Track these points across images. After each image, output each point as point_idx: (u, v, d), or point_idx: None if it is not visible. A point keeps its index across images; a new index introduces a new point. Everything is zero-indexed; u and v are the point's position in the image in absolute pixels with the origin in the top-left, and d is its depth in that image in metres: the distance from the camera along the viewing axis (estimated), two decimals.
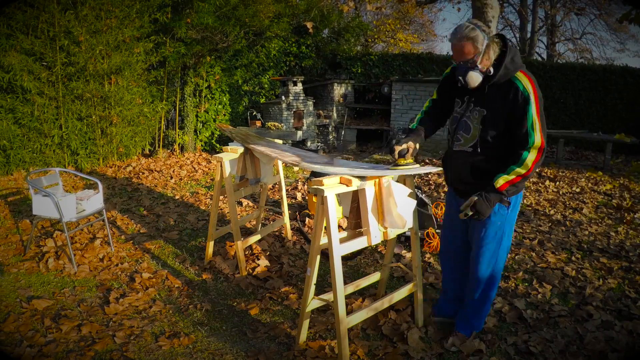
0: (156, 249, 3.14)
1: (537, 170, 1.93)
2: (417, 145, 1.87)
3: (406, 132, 1.91)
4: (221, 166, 2.63)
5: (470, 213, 1.74)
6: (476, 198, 1.72)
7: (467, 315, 2.02)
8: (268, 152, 2.44)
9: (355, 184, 1.80)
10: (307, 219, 3.62)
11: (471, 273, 1.95)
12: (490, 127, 1.75)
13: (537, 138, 1.66)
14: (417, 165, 1.87)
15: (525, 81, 1.69)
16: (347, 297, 2.31)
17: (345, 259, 2.84)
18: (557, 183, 5.18)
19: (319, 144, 7.67)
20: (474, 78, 1.71)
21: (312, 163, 2.17)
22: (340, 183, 1.80)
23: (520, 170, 1.68)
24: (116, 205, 4.01)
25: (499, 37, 1.76)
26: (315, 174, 3.76)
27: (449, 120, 1.96)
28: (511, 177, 1.69)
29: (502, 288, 2.57)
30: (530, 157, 1.67)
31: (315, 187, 1.76)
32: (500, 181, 1.70)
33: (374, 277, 2.29)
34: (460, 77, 1.74)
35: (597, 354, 1.93)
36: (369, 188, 1.84)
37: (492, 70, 1.71)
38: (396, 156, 1.85)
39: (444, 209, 3.17)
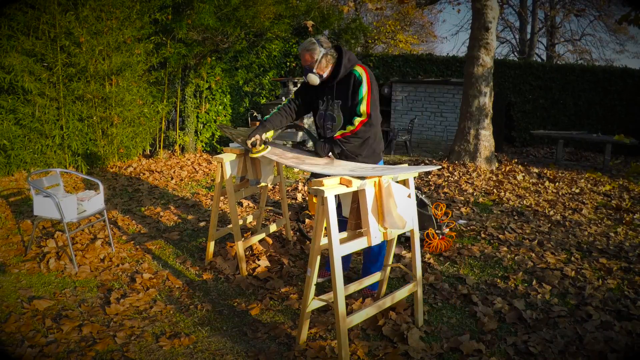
0: (157, 249, 3.15)
1: (383, 142, 2.52)
2: (263, 136, 2.42)
3: (257, 125, 2.48)
4: (222, 167, 2.64)
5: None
6: (318, 143, 2.34)
7: (367, 267, 2.49)
8: (268, 154, 2.46)
9: (356, 185, 1.81)
10: (306, 220, 3.63)
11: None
12: (345, 111, 2.32)
13: (363, 108, 2.23)
14: (267, 149, 2.42)
15: (360, 70, 2.26)
16: (347, 297, 2.32)
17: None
18: (557, 184, 5.19)
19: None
20: (312, 78, 2.30)
21: (312, 165, 2.20)
22: (341, 184, 1.81)
23: (350, 127, 2.26)
24: (117, 206, 4.02)
25: (336, 49, 2.32)
26: (315, 175, 3.77)
27: (316, 118, 2.49)
28: (345, 131, 2.28)
29: (502, 288, 2.58)
30: (358, 119, 2.24)
31: (315, 187, 1.76)
32: (338, 133, 2.30)
33: (374, 277, 2.30)
34: (304, 77, 2.34)
35: (596, 355, 1.93)
36: (369, 189, 1.85)
37: (325, 74, 2.30)
38: (249, 146, 2.40)
39: (444, 209, 3.18)
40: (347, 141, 2.27)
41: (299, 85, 7.41)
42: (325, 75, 2.30)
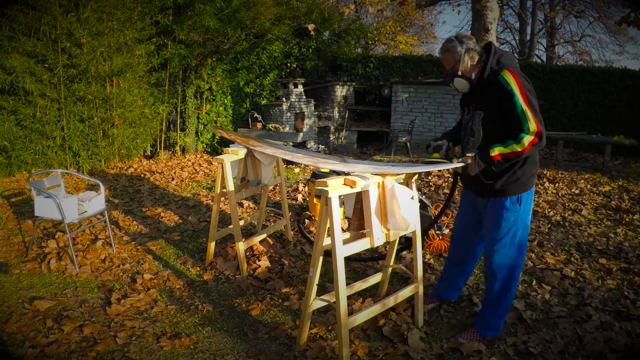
0: (158, 250, 3.15)
1: (538, 165, 2.03)
2: (451, 144, 2.06)
3: (443, 134, 2.18)
4: (222, 168, 2.65)
5: (460, 165, 1.91)
6: (469, 161, 1.91)
7: (484, 313, 2.08)
8: (284, 155, 2.48)
9: (359, 186, 1.81)
10: (306, 221, 3.63)
11: (487, 270, 2.04)
12: (489, 126, 1.91)
13: (532, 124, 1.79)
14: (446, 162, 2.01)
15: (508, 77, 1.83)
16: (348, 297, 2.33)
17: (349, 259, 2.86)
18: (557, 184, 5.19)
19: (320, 145, 7.69)
20: (459, 83, 1.96)
21: (330, 163, 2.22)
22: (345, 184, 1.81)
23: (516, 147, 1.81)
24: (118, 207, 4.03)
25: (486, 46, 1.96)
26: (316, 176, 3.78)
27: (462, 129, 2.11)
28: (506, 150, 1.83)
29: None
30: (528, 138, 1.80)
31: (319, 188, 1.77)
32: (495, 151, 1.85)
33: (376, 278, 2.31)
34: (451, 84, 2.00)
35: (596, 355, 1.94)
36: (373, 190, 1.85)
37: (473, 75, 1.94)
38: (431, 150, 2.08)
39: None
40: (505, 161, 1.84)
41: (299, 86, 7.43)
42: (473, 76, 1.93)
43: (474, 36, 5.86)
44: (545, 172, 5.82)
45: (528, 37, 14.98)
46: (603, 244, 3.30)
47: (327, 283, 2.63)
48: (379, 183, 1.87)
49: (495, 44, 6.51)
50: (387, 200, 1.87)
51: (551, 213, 4.05)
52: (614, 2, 12.27)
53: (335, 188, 1.76)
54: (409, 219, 1.92)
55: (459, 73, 1.94)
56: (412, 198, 1.98)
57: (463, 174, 2.03)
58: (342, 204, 3.35)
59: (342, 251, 1.77)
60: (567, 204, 4.37)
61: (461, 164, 1.93)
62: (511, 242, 1.95)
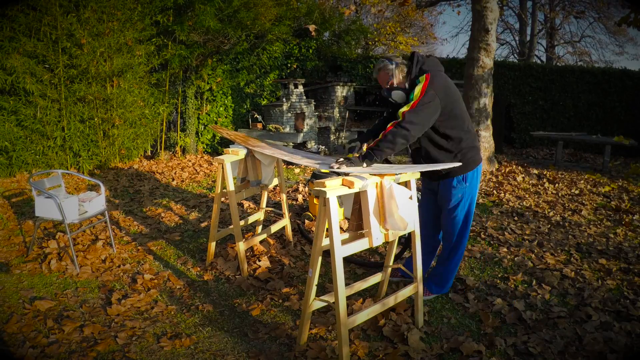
0: (158, 250, 3.16)
1: (478, 149, 2.33)
2: (364, 145, 2.23)
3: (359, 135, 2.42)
4: (222, 168, 2.65)
5: (338, 167, 2.01)
6: (348, 159, 2.07)
7: (435, 270, 2.49)
8: (283, 155, 2.50)
9: (357, 186, 1.82)
10: (306, 221, 3.64)
11: (442, 235, 2.44)
12: None
13: (405, 108, 2.05)
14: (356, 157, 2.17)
15: (422, 77, 2.10)
16: (348, 298, 2.33)
17: (350, 261, 2.86)
18: (556, 185, 5.20)
19: (320, 145, 7.69)
20: (397, 95, 2.19)
21: (327, 165, 2.24)
22: (343, 185, 1.82)
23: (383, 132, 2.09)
24: (118, 207, 4.03)
25: (410, 58, 2.20)
26: (316, 176, 3.78)
27: None
28: (374, 140, 2.10)
29: (502, 289, 2.59)
30: (390, 123, 2.08)
31: (317, 189, 1.77)
32: (370, 142, 2.14)
33: (376, 278, 2.31)
34: (390, 99, 2.22)
35: (596, 355, 1.94)
36: (371, 190, 1.86)
37: (407, 85, 2.18)
38: (346, 151, 2.24)
39: None
40: (378, 148, 2.04)
41: (299, 86, 7.44)
42: (407, 85, 2.19)
43: (475, 37, 5.92)
44: (545, 173, 5.83)
45: (528, 38, 14.99)
46: (603, 244, 3.30)
47: (327, 283, 2.63)
48: (377, 183, 1.88)
49: (495, 44, 6.44)
50: (386, 200, 1.88)
51: (551, 213, 4.06)
52: (613, 3, 12.29)
53: (334, 189, 1.77)
54: (408, 219, 1.92)
55: (392, 85, 2.19)
56: (411, 198, 1.98)
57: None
58: (341, 204, 3.36)
59: (341, 251, 1.78)
60: (567, 205, 4.37)
61: (457, 164, 2.12)
62: (459, 213, 2.30)
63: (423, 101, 2.03)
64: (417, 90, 2.05)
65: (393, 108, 2.31)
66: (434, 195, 2.42)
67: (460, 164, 2.14)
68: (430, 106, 2.04)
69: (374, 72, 2.25)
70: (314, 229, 3.44)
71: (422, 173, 2.28)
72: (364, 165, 2.00)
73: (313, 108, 7.65)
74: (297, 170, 5.82)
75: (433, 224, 2.48)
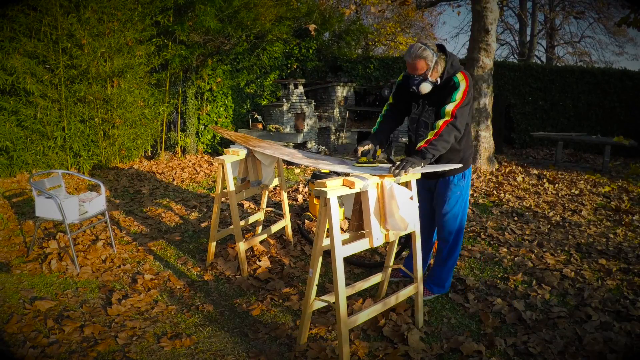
0: (158, 250, 3.16)
1: (472, 145, 2.36)
2: (377, 147, 2.22)
3: (369, 136, 2.27)
4: (223, 168, 2.65)
5: (404, 172, 1.94)
6: (406, 159, 2.00)
7: (434, 270, 2.47)
8: (283, 155, 2.48)
9: (358, 186, 1.82)
10: (306, 221, 3.64)
11: (439, 236, 2.41)
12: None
13: (451, 107, 2.03)
14: (378, 165, 2.11)
15: (460, 77, 2.09)
16: (348, 298, 2.33)
17: (348, 262, 2.86)
18: (556, 185, 5.20)
19: (321, 146, 7.69)
20: (426, 87, 2.12)
21: (328, 165, 2.25)
22: (343, 185, 1.82)
23: (433, 131, 2.05)
24: (118, 207, 4.03)
25: (441, 50, 2.13)
26: (316, 176, 3.79)
27: (409, 121, 2.33)
28: (427, 139, 2.05)
29: (502, 289, 2.59)
30: (440, 122, 2.04)
31: (318, 189, 1.78)
32: (420, 143, 2.07)
33: (376, 278, 2.31)
34: (414, 87, 2.13)
35: (595, 355, 1.94)
36: (372, 190, 1.86)
37: (439, 80, 2.12)
38: (359, 154, 2.17)
39: None
40: (434, 147, 2.02)
41: (300, 87, 7.44)
42: (439, 80, 2.12)
43: (475, 37, 5.93)
44: (545, 173, 5.83)
45: (528, 38, 15.00)
46: (603, 244, 3.31)
47: (328, 283, 2.63)
48: (377, 184, 1.88)
49: (495, 44, 6.42)
50: (386, 200, 1.88)
51: (551, 213, 4.06)
52: (613, 3, 12.29)
53: (334, 189, 1.77)
54: (408, 219, 1.92)
55: (429, 78, 2.10)
56: (411, 198, 1.99)
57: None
58: (342, 204, 3.36)
59: (341, 251, 1.78)
60: (566, 205, 4.37)
61: (458, 165, 2.07)
62: (458, 210, 2.31)
63: (467, 101, 2.06)
64: (462, 89, 2.05)
65: (411, 99, 2.24)
66: (429, 195, 2.39)
67: (461, 165, 2.17)
68: (470, 107, 2.11)
69: (410, 56, 2.06)
70: (314, 229, 3.45)
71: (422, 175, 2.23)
72: (422, 164, 1.98)
73: (313, 108, 7.66)
74: (297, 171, 5.82)
75: (429, 224, 2.45)
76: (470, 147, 2.33)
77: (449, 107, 2.03)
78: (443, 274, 2.44)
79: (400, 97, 2.31)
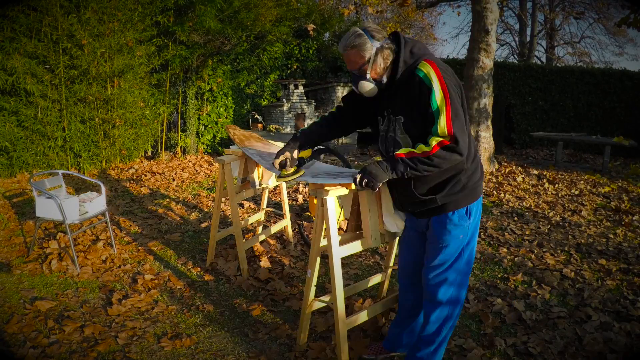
0: (158, 250, 3.16)
1: (482, 170, 1.67)
2: (295, 153, 1.76)
3: (289, 141, 1.83)
4: (223, 168, 2.66)
5: (365, 180, 1.53)
6: (366, 165, 1.55)
7: (416, 353, 1.71)
8: (255, 157, 2.44)
9: (354, 187, 1.81)
10: (304, 223, 3.64)
11: (425, 299, 1.69)
12: (413, 132, 1.52)
13: (442, 124, 1.42)
14: (301, 173, 1.79)
15: (427, 69, 1.46)
16: (348, 298, 2.33)
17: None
18: (556, 185, 5.20)
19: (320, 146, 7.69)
20: (366, 87, 1.56)
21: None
22: (341, 185, 1.82)
23: (424, 147, 1.45)
24: (119, 208, 4.04)
25: (394, 38, 1.56)
26: None
27: (379, 141, 1.68)
28: (414, 150, 1.48)
29: (502, 289, 2.59)
30: (435, 138, 1.44)
31: (315, 189, 1.78)
32: (402, 150, 1.50)
33: (376, 278, 2.31)
34: (354, 86, 1.61)
35: (595, 355, 1.95)
36: (370, 191, 1.86)
37: (385, 78, 1.55)
38: (277, 167, 1.78)
39: None
40: (414, 165, 1.47)
41: (300, 87, 7.44)
42: (385, 79, 1.55)
43: (475, 37, 5.92)
44: (545, 173, 5.83)
45: (528, 39, 15.00)
46: (602, 244, 3.31)
47: (328, 283, 2.63)
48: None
49: (495, 45, 6.39)
50: (383, 201, 1.88)
51: (551, 214, 4.06)
52: (613, 4, 12.30)
53: (331, 189, 1.77)
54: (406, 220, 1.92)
55: (367, 76, 1.54)
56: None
57: (403, 201, 1.65)
58: (341, 205, 3.36)
59: (339, 252, 1.78)
60: (566, 205, 4.37)
61: (355, 171, 1.59)
62: (458, 264, 1.61)
63: (452, 98, 1.44)
64: (438, 86, 1.43)
65: (371, 108, 1.67)
66: (421, 238, 1.72)
67: (455, 195, 1.55)
68: (460, 101, 1.49)
69: (344, 46, 1.54)
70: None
71: (405, 207, 1.71)
72: (391, 174, 1.50)
73: (313, 108, 7.66)
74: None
75: (419, 276, 1.74)
76: (478, 170, 1.62)
77: (442, 123, 1.42)
78: (428, 357, 1.69)
79: (353, 105, 1.76)
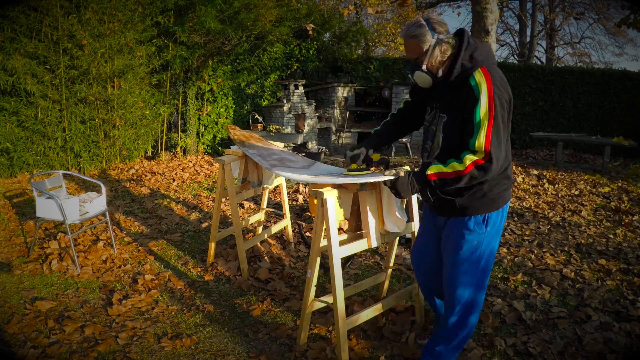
0: (159, 250, 3.16)
1: (511, 179, 1.65)
2: (370, 151, 1.79)
3: (365, 138, 1.84)
4: (223, 169, 2.66)
5: (389, 186, 1.59)
6: (402, 174, 1.57)
7: (434, 346, 1.74)
8: (255, 157, 2.44)
9: (355, 187, 1.82)
10: (303, 223, 3.65)
11: (446, 298, 1.71)
12: (450, 134, 1.56)
13: (481, 140, 1.43)
14: (370, 172, 1.74)
15: (480, 78, 1.47)
16: (348, 298, 2.33)
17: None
18: (556, 185, 5.20)
19: (321, 146, 7.70)
20: (421, 78, 1.57)
21: (287, 168, 2.05)
22: (341, 186, 1.82)
23: (457, 166, 1.47)
24: (119, 208, 4.04)
25: (458, 34, 1.56)
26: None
27: (423, 130, 1.75)
28: (445, 170, 1.49)
29: (502, 289, 2.59)
30: (470, 156, 1.46)
31: (315, 190, 1.78)
32: (433, 169, 1.52)
33: (376, 279, 2.32)
34: (409, 76, 1.63)
35: (595, 355, 1.95)
36: (369, 191, 1.87)
37: (440, 72, 1.55)
38: (348, 161, 1.79)
39: None
40: (442, 186, 1.52)
41: (300, 87, 7.44)
42: (440, 73, 1.55)
43: (474, 38, 5.90)
44: (545, 173, 5.83)
45: (528, 39, 15.00)
46: (602, 244, 3.31)
47: (328, 284, 2.63)
48: (375, 184, 1.88)
49: (495, 45, 6.43)
50: (384, 201, 1.88)
51: (551, 214, 4.06)
52: (613, 4, 12.31)
53: (331, 190, 1.77)
54: (406, 220, 1.93)
55: (423, 67, 1.54)
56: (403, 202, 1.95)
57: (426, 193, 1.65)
58: (341, 205, 3.36)
59: (339, 252, 1.78)
60: (566, 205, 4.38)
61: (391, 177, 1.59)
62: (473, 269, 1.61)
63: (496, 113, 1.43)
64: (485, 100, 1.43)
65: (426, 99, 1.70)
66: (437, 232, 1.73)
67: (473, 203, 1.56)
68: (504, 120, 1.46)
69: (404, 34, 1.54)
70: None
71: (424, 198, 1.70)
72: (412, 192, 1.57)
73: (314, 109, 7.67)
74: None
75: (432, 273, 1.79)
76: (506, 180, 1.60)
77: (481, 139, 1.43)
78: (447, 353, 1.73)
79: (417, 95, 1.78)
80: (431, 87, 1.61)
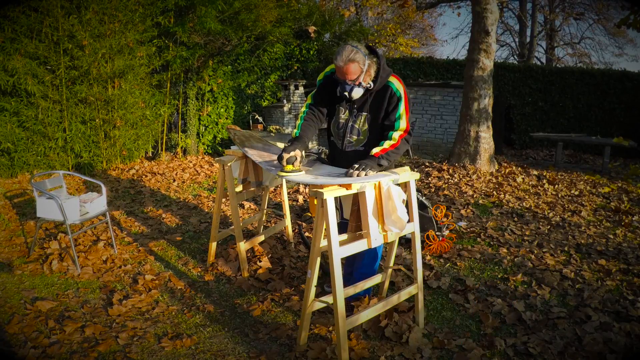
0: (159, 250, 3.17)
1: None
2: (303, 152, 2.08)
3: (291, 140, 2.10)
4: (223, 169, 2.66)
5: (364, 174, 1.87)
6: (363, 162, 1.93)
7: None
8: (255, 157, 2.45)
9: (356, 187, 1.83)
10: (303, 224, 3.65)
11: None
12: (375, 126, 2.14)
13: (403, 124, 2.07)
14: (303, 172, 1.98)
15: (396, 83, 2.08)
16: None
17: None
18: (556, 186, 5.21)
19: (321, 147, 7.70)
20: (358, 93, 2.05)
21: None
22: (341, 186, 1.83)
23: (390, 142, 2.04)
24: (119, 208, 4.04)
25: (371, 51, 2.04)
26: None
27: (333, 125, 2.24)
28: (384, 147, 2.03)
29: (502, 290, 2.59)
30: (396, 134, 2.05)
31: (315, 190, 1.78)
32: (375, 149, 2.02)
33: (376, 279, 2.32)
34: (345, 93, 2.05)
35: (595, 355, 1.95)
36: (369, 191, 1.87)
37: (372, 84, 2.04)
38: (284, 163, 1.96)
39: (444, 211, 3.20)
40: (388, 157, 2.01)
41: (300, 87, 7.45)
42: (371, 84, 2.06)
43: (475, 38, 5.93)
44: (545, 174, 5.83)
45: (528, 39, 15.02)
46: (602, 245, 3.31)
47: (328, 283, 2.64)
48: (375, 184, 1.88)
49: (495, 45, 6.43)
50: (384, 201, 1.89)
51: (551, 214, 4.07)
52: (613, 4, 12.32)
53: (331, 190, 1.78)
54: (406, 220, 1.93)
55: (362, 83, 2.01)
56: (404, 201, 1.97)
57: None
58: (341, 205, 3.36)
59: (339, 252, 1.78)
60: (566, 205, 4.38)
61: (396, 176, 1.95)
62: None
63: (409, 109, 2.09)
64: (404, 98, 2.06)
65: (335, 101, 2.16)
66: None
67: (397, 174, 2.05)
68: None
69: (340, 60, 1.94)
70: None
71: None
72: (376, 171, 1.92)
73: None
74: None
75: None
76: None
77: (403, 123, 2.05)
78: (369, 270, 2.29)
79: (322, 99, 2.22)
80: (341, 93, 2.06)
